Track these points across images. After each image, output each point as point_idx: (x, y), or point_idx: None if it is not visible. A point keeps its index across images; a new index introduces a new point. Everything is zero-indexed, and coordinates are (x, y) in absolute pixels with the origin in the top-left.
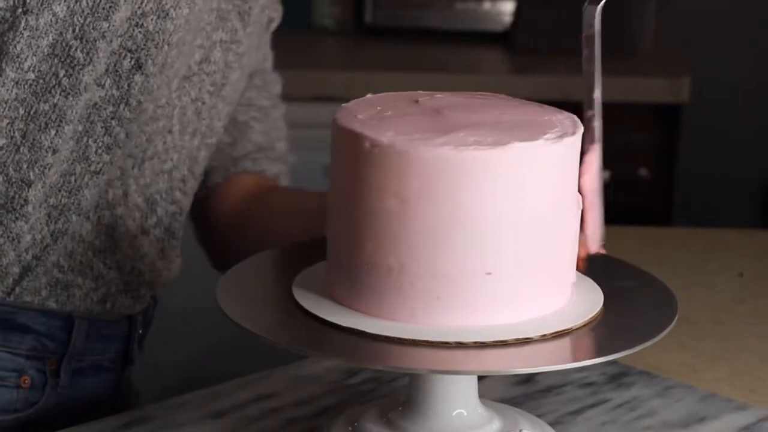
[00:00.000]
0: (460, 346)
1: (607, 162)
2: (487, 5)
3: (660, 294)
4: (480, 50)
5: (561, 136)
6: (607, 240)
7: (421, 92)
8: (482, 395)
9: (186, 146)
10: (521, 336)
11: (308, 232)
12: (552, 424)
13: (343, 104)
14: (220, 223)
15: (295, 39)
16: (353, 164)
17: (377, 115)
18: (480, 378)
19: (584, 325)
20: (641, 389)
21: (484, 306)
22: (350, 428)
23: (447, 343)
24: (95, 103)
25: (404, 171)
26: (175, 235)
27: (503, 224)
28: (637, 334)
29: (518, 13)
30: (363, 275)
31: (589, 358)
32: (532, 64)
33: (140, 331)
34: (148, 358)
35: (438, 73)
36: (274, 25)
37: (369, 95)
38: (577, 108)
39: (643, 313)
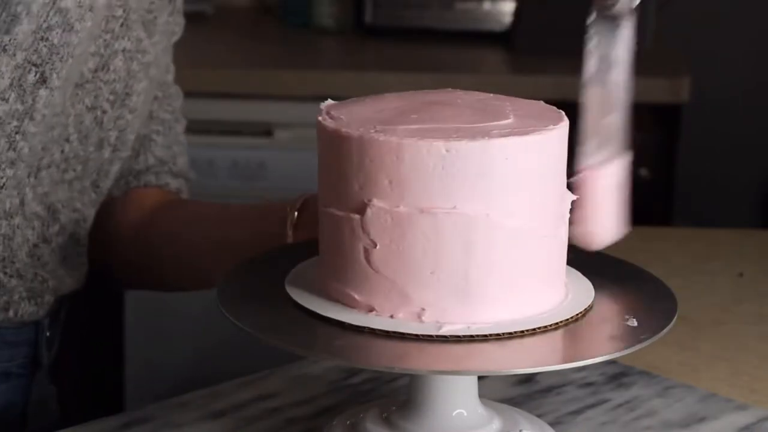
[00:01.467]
0: (458, 340)
1: None
2: (487, 5)
3: (660, 294)
4: (480, 50)
5: (550, 127)
6: None
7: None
8: (482, 395)
9: (93, 158)
10: (516, 330)
11: (212, 241)
12: (552, 424)
13: (322, 107)
14: (122, 236)
15: (294, 39)
16: (338, 158)
17: (369, 116)
18: (480, 378)
19: (579, 318)
20: (641, 389)
21: (481, 302)
22: (350, 428)
23: (445, 337)
24: None
25: (396, 164)
26: (80, 242)
27: (499, 218)
28: (637, 333)
29: (518, 13)
30: (355, 271)
31: (589, 358)
32: (532, 64)
33: (48, 334)
34: (149, 358)
35: (438, 73)
36: (175, 38)
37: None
38: (577, 108)
39: (642, 313)
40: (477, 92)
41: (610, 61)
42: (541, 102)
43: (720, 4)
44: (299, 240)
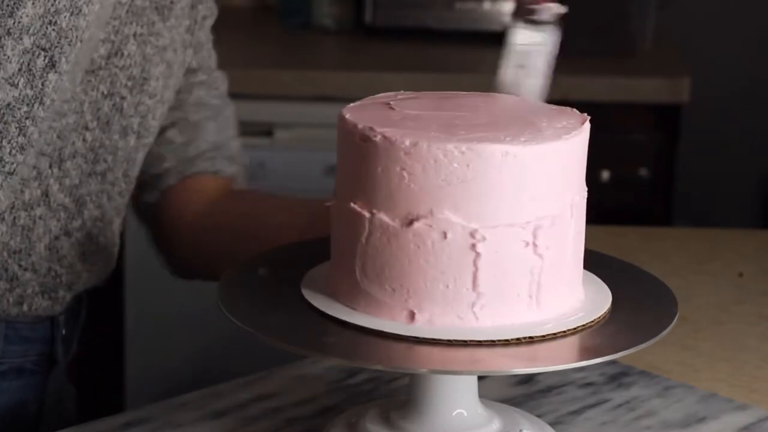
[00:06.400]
0: (461, 344)
1: (607, 162)
2: (487, 5)
3: (660, 294)
4: (480, 50)
5: (580, 129)
6: (607, 240)
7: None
8: (482, 395)
9: (121, 147)
10: (523, 335)
11: (297, 234)
12: (552, 424)
13: (344, 110)
14: (182, 225)
15: (294, 39)
16: (383, 170)
17: (391, 120)
18: (480, 378)
19: (587, 327)
20: (641, 389)
21: (492, 305)
22: (350, 428)
23: (448, 341)
24: (9, 103)
25: (448, 170)
26: (94, 241)
27: (517, 224)
28: (637, 334)
29: None
30: (364, 274)
31: (589, 358)
32: None
33: (63, 332)
34: (149, 358)
35: (438, 73)
36: (209, 22)
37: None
38: (577, 108)
39: (643, 313)
40: (497, 95)
41: (528, 69)
42: (568, 108)
43: (720, 4)
44: None
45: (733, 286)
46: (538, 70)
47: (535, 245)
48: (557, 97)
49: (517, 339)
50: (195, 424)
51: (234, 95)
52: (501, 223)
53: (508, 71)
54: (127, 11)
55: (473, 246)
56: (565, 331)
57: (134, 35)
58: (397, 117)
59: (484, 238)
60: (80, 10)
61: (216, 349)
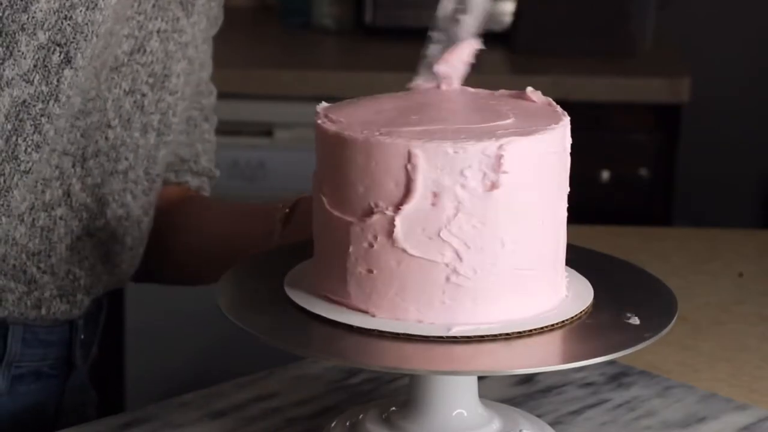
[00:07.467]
0: (458, 341)
1: (607, 162)
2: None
3: (660, 294)
4: (480, 50)
5: (552, 126)
6: (607, 240)
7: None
8: (482, 395)
9: (141, 144)
10: (515, 330)
11: (209, 237)
12: (552, 424)
13: (319, 110)
14: None
15: (294, 39)
16: (340, 162)
17: (369, 118)
18: (480, 378)
19: (577, 319)
20: (641, 389)
21: (483, 302)
22: (350, 428)
23: (445, 337)
24: (24, 101)
25: (436, 169)
26: (119, 241)
27: (522, 216)
28: (637, 333)
29: (518, 13)
30: (356, 274)
31: (589, 358)
32: (532, 64)
33: (82, 336)
34: (149, 358)
35: None
36: (213, 31)
37: (323, 103)
38: (577, 108)
39: (643, 313)
40: (466, 87)
41: (466, 5)
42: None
43: (720, 4)
44: (289, 236)
45: (733, 286)
46: (475, 7)
47: (525, 238)
48: (558, 97)
49: (510, 333)
50: (195, 424)
51: (234, 95)
52: (500, 218)
53: (445, 4)
54: (153, 5)
55: (471, 243)
56: (562, 323)
57: (158, 31)
58: (379, 107)
59: (481, 234)
60: (96, 5)
61: (216, 349)
